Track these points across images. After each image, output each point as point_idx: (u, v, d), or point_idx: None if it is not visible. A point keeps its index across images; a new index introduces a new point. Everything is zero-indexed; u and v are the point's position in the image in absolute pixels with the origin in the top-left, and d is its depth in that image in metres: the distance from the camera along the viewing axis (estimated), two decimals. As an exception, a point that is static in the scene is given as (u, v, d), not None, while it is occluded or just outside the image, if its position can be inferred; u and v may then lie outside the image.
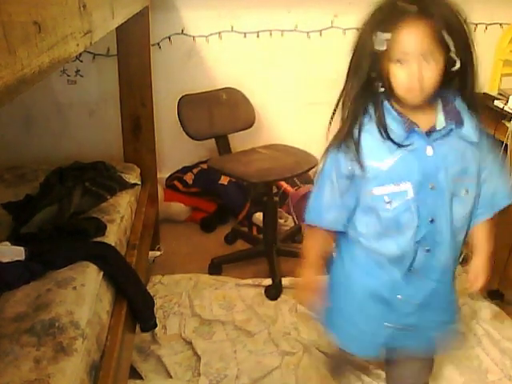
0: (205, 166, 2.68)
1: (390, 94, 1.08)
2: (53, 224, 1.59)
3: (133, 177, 2.12)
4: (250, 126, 2.51)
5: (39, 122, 2.65)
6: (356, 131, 1.11)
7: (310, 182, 2.61)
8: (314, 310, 1.38)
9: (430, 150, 1.10)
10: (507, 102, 2.04)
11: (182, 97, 2.34)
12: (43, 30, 0.64)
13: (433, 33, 1.00)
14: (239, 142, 2.55)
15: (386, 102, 1.10)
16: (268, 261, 2.25)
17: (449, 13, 1.02)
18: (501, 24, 2.72)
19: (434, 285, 1.22)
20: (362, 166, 1.11)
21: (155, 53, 2.42)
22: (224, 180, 2.70)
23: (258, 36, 2.63)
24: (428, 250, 1.17)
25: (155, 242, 2.40)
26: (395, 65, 1.03)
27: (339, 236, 1.27)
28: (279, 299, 2.08)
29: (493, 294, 2.11)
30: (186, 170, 2.80)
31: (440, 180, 1.11)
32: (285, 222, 2.65)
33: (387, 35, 0.99)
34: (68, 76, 2.58)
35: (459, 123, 1.10)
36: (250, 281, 2.19)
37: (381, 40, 1.00)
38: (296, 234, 2.50)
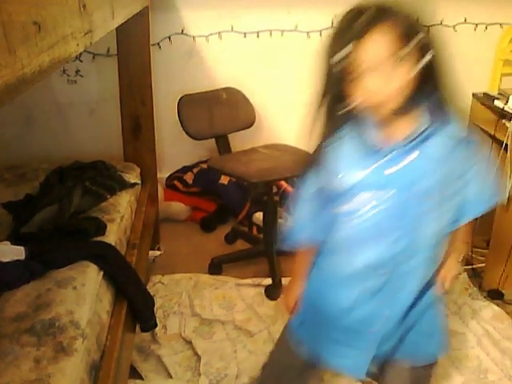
0: (205, 166, 2.68)
1: (363, 109, 1.05)
2: (53, 224, 1.58)
3: (133, 176, 2.12)
4: (250, 125, 2.51)
5: (39, 121, 2.65)
6: (331, 145, 1.10)
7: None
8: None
9: (409, 158, 1.07)
10: (507, 101, 2.03)
11: (182, 97, 2.34)
12: (43, 29, 0.64)
13: (398, 36, 0.98)
14: (239, 141, 2.55)
15: (361, 115, 1.07)
16: (268, 260, 2.25)
17: (409, 17, 1.01)
18: (501, 24, 2.72)
19: (409, 300, 1.18)
20: (337, 180, 1.10)
21: (155, 53, 2.42)
22: (224, 180, 2.70)
23: (257, 36, 2.63)
24: (402, 263, 1.13)
25: (155, 241, 2.40)
26: (362, 76, 1.00)
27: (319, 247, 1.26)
28: (279, 299, 2.08)
29: (493, 293, 2.11)
30: (186, 169, 2.80)
31: (406, 197, 1.08)
32: (285, 221, 2.65)
33: (349, 47, 0.98)
34: (68, 76, 2.58)
35: (444, 122, 1.07)
36: (249, 280, 2.19)
37: (344, 53, 0.98)
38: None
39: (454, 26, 2.72)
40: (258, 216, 2.58)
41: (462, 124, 1.11)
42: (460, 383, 1.69)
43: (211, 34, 2.60)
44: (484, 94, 2.26)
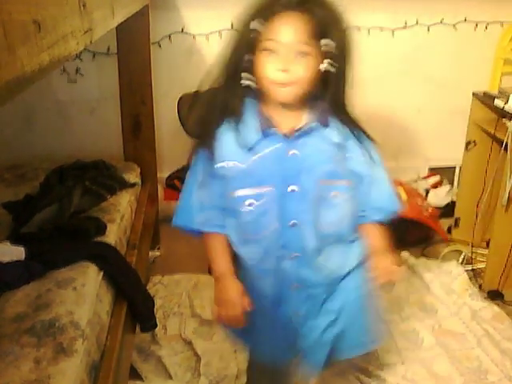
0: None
1: (259, 89, 1.04)
2: (53, 224, 1.58)
3: (133, 176, 2.12)
4: (250, 125, 2.50)
5: (40, 120, 2.65)
6: (218, 128, 1.08)
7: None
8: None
9: (291, 152, 1.06)
10: (507, 100, 2.03)
11: (182, 96, 2.33)
12: (43, 28, 0.64)
13: (310, 29, 0.97)
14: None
15: (250, 99, 1.06)
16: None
17: (331, 15, 1.01)
18: (501, 23, 2.72)
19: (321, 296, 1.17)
20: (222, 166, 1.07)
21: (155, 51, 2.42)
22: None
23: (258, 35, 2.63)
24: (296, 257, 1.11)
25: (155, 242, 2.39)
26: (264, 53, 1.00)
27: None
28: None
29: (493, 294, 2.10)
30: (186, 169, 2.79)
31: (302, 182, 1.07)
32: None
33: (261, 22, 0.97)
34: (68, 75, 2.57)
35: (324, 124, 1.06)
36: (250, 280, 2.18)
37: (255, 26, 0.98)
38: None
39: (454, 25, 2.72)
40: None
41: (351, 128, 1.09)
42: None
43: (211, 33, 2.59)
44: (484, 93, 2.26)
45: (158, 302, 1.97)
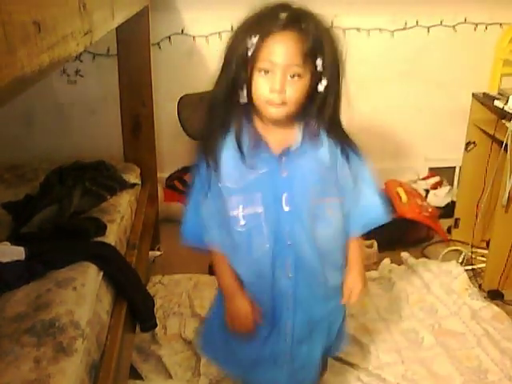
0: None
1: (252, 106, 1.05)
2: (53, 224, 1.58)
3: (133, 176, 2.12)
4: (250, 125, 2.50)
5: (40, 121, 2.65)
6: (217, 145, 1.08)
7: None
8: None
9: (284, 173, 1.07)
10: (507, 101, 2.03)
11: (182, 97, 2.33)
12: (43, 29, 0.64)
13: (302, 48, 0.97)
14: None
15: (245, 116, 1.07)
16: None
17: (322, 32, 1.00)
18: (501, 24, 2.72)
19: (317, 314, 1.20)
20: (221, 185, 1.08)
21: (155, 53, 2.42)
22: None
23: (258, 36, 2.63)
24: (292, 277, 1.13)
25: (155, 242, 2.40)
26: (259, 73, 1.00)
27: None
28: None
29: (493, 294, 2.11)
30: (186, 169, 2.80)
31: (296, 202, 1.08)
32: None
33: (257, 40, 0.97)
34: (68, 76, 2.58)
35: (316, 145, 1.07)
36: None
37: (250, 44, 0.98)
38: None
39: (453, 26, 2.72)
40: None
41: (342, 147, 1.10)
42: (460, 383, 1.69)
43: (211, 34, 2.59)
44: (484, 93, 2.26)
45: (158, 302, 1.97)
